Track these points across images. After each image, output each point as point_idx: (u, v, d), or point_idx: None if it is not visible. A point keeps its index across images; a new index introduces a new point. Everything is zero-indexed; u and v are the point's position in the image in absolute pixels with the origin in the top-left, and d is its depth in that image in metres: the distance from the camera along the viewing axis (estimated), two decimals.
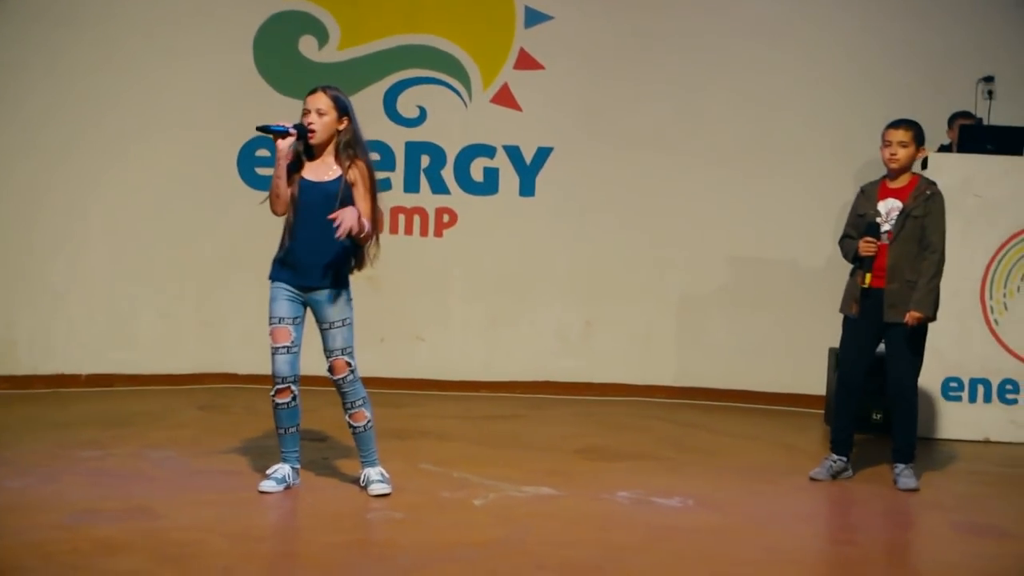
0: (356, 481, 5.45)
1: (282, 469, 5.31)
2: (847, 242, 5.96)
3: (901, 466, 5.88)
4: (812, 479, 5.98)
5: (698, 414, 8.07)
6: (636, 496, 5.53)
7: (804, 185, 8.36)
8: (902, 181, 5.88)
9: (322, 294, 5.18)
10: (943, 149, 7.67)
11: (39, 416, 7.06)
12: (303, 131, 5.05)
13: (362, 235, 5.07)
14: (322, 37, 8.64)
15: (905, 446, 5.89)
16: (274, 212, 5.15)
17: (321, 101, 5.10)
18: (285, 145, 4.99)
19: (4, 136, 7.88)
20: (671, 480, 5.88)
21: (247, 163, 8.54)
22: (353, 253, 5.22)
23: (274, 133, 5.00)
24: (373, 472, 5.38)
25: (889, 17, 8.41)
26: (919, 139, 5.86)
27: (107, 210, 8.15)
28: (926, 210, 5.74)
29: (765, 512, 5.33)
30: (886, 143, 5.87)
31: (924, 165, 7.28)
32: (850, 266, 5.98)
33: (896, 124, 5.89)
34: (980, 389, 7.33)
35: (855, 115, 8.08)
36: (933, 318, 5.78)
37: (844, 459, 6.02)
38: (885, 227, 5.79)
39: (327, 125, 5.10)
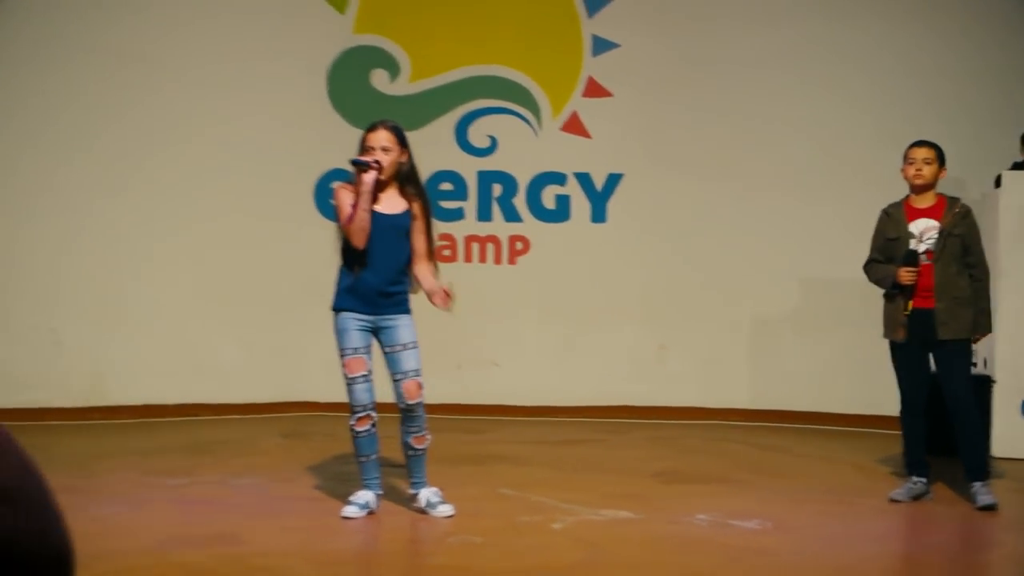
0: (415, 507, 5.44)
1: (364, 495, 5.35)
2: (875, 267, 5.97)
3: (977, 484, 5.78)
4: (892, 500, 5.91)
5: (773, 436, 8.01)
6: (714, 519, 5.51)
7: (869, 207, 8.22)
8: (929, 200, 5.85)
9: (394, 319, 5.24)
10: (1016, 166, 7.56)
11: (126, 445, 7.18)
12: (378, 166, 5.14)
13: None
14: (393, 70, 8.73)
15: (976, 463, 5.80)
16: (356, 245, 5.17)
17: (385, 138, 5.20)
18: (370, 180, 5.07)
19: (88, 176, 8.05)
20: (748, 503, 5.85)
21: (323, 194, 8.61)
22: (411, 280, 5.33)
23: (362, 167, 5.10)
24: (431, 494, 5.39)
25: (958, 40, 8.32)
26: (941, 159, 5.84)
27: (188, 244, 8.28)
28: (965, 228, 5.72)
29: (841, 534, 5.29)
30: (910, 161, 5.87)
31: (997, 183, 7.20)
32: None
33: (919, 143, 5.92)
34: None
35: (920, 137, 7.98)
36: (962, 333, 5.76)
37: (923, 480, 5.94)
38: (923, 247, 5.75)
39: (392, 160, 5.19)
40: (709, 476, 6.59)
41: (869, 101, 8.40)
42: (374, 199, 5.16)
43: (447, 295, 5.22)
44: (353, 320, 5.24)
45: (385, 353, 5.30)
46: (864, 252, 8.24)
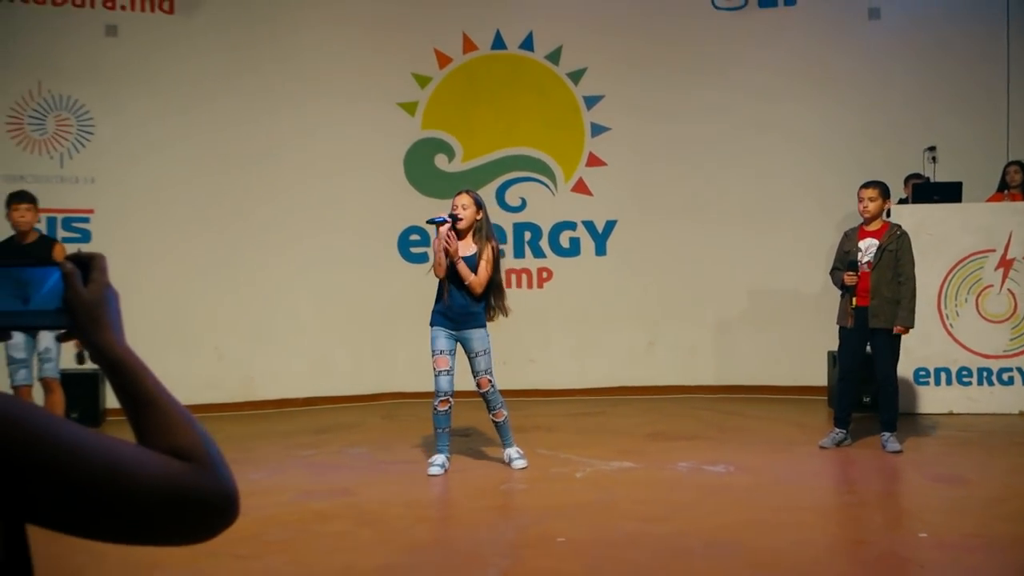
0: (497, 461, 5.49)
1: (439, 458, 5.38)
2: (836, 273, 5.95)
3: (888, 434, 5.75)
4: (821, 447, 5.86)
5: (733, 404, 7.95)
6: (691, 465, 5.49)
7: (799, 234, 8.23)
8: (875, 226, 5.84)
9: (470, 333, 5.30)
10: (902, 202, 7.51)
11: (270, 428, 7.24)
12: (454, 219, 5.22)
13: (458, 266, 5.18)
14: (450, 154, 8.79)
15: (890, 419, 5.77)
16: (437, 276, 5.33)
17: (465, 199, 5.31)
18: (445, 231, 5.15)
19: (243, 240, 8.13)
20: (716, 453, 5.82)
21: (404, 244, 8.70)
22: (486, 307, 5.34)
23: (437, 224, 5.23)
24: (513, 451, 5.46)
25: (857, 107, 8.29)
26: (885, 194, 5.84)
27: (312, 282, 8.34)
28: (898, 245, 5.71)
29: (785, 473, 5.26)
30: (860, 199, 5.85)
31: (888, 214, 7.14)
32: (838, 291, 5.92)
33: (866, 184, 5.88)
34: (943, 375, 7.12)
35: (835, 181, 7.94)
36: (913, 326, 5.72)
37: (844, 431, 5.90)
38: (865, 259, 5.73)
39: (469, 216, 5.26)
40: (687, 435, 6.56)
41: (796, 158, 8.36)
42: (454, 244, 5.23)
43: (449, 242, 5.17)
44: (442, 331, 5.33)
45: (469, 358, 5.36)
46: (796, 270, 8.26)
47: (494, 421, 5.46)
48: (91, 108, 7.85)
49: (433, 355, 5.31)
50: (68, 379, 6.07)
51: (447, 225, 5.20)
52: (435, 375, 5.30)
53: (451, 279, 5.26)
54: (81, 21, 7.81)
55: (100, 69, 7.85)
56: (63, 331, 0.98)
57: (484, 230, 5.33)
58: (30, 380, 5.36)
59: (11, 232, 5.65)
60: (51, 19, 7.71)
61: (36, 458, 0.79)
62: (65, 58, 7.78)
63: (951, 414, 7.01)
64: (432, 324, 5.35)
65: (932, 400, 7.10)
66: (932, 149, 7.86)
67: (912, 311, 5.69)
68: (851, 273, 5.73)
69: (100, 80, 7.85)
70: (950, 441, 6.12)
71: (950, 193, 7.20)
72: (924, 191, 7.29)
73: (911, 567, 3.58)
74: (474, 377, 5.35)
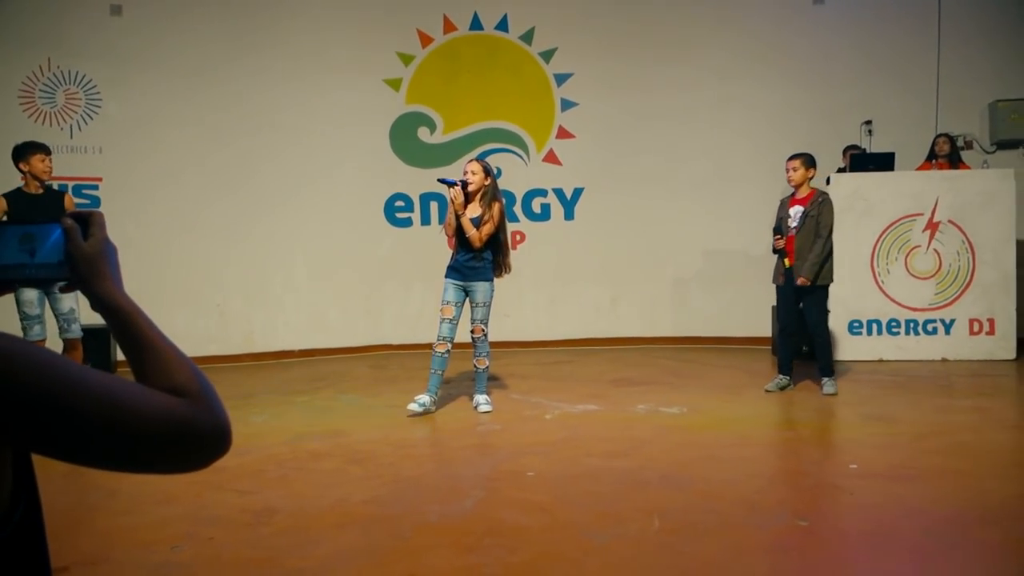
0: (472, 404, 5.52)
1: (424, 397, 5.37)
2: (775, 236, 5.94)
3: (825, 379, 5.81)
4: (766, 391, 5.93)
5: (689, 354, 8.01)
6: (650, 407, 5.53)
7: (750, 200, 8.26)
8: (803, 193, 5.85)
9: (475, 285, 5.31)
10: (840, 170, 7.54)
11: (269, 377, 7.22)
12: (464, 184, 5.21)
13: (462, 219, 5.21)
14: (432, 127, 8.71)
15: (825, 365, 5.82)
16: (446, 234, 5.39)
17: (475, 166, 5.33)
18: (453, 192, 5.13)
19: (241, 204, 8.05)
20: (672, 396, 5.87)
21: (390, 210, 8.64)
22: (493, 264, 5.35)
23: (448, 184, 5.23)
24: (481, 398, 5.46)
25: (804, 84, 8.29)
26: (807, 163, 5.81)
27: (306, 244, 8.30)
28: (819, 211, 5.71)
29: (735, 413, 5.31)
30: (786, 169, 5.86)
31: (828, 182, 7.19)
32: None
33: (792, 156, 5.90)
34: (875, 326, 7.20)
35: (783, 152, 7.86)
36: (820, 281, 5.70)
37: (787, 377, 5.96)
38: (793, 224, 5.75)
39: (478, 181, 5.25)
40: (646, 380, 6.60)
41: (747, 134, 8.37)
42: (464, 207, 5.27)
43: (455, 196, 5.21)
44: (452, 284, 5.36)
45: (471, 307, 5.37)
46: (747, 233, 8.29)
47: (476, 367, 5.48)
48: (98, 83, 7.69)
49: (442, 303, 5.35)
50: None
51: (457, 187, 5.20)
52: (440, 321, 5.32)
53: (459, 236, 5.28)
54: (87, 1, 7.61)
55: (106, 46, 7.67)
56: (66, 282, 0.97)
57: (491, 195, 5.31)
58: (44, 335, 5.27)
59: (16, 184, 5.43)
60: None
61: (44, 392, 0.78)
62: (72, 35, 7.59)
63: (881, 361, 7.12)
64: (446, 277, 5.40)
65: (865, 349, 7.20)
66: (868, 123, 7.90)
67: (814, 265, 5.63)
68: (778, 237, 5.78)
69: (106, 57, 7.67)
70: (881, 385, 6.20)
71: (884, 162, 7.24)
72: (861, 161, 7.32)
73: (841, 494, 3.65)
74: (472, 324, 5.39)
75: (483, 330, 5.36)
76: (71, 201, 5.47)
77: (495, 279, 5.41)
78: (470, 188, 5.28)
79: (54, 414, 0.79)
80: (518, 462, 4.21)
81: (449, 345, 5.31)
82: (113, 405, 0.82)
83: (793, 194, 5.90)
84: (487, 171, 5.33)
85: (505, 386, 6.34)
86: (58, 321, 5.34)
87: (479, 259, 5.30)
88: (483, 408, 5.40)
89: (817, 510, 3.49)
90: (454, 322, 5.31)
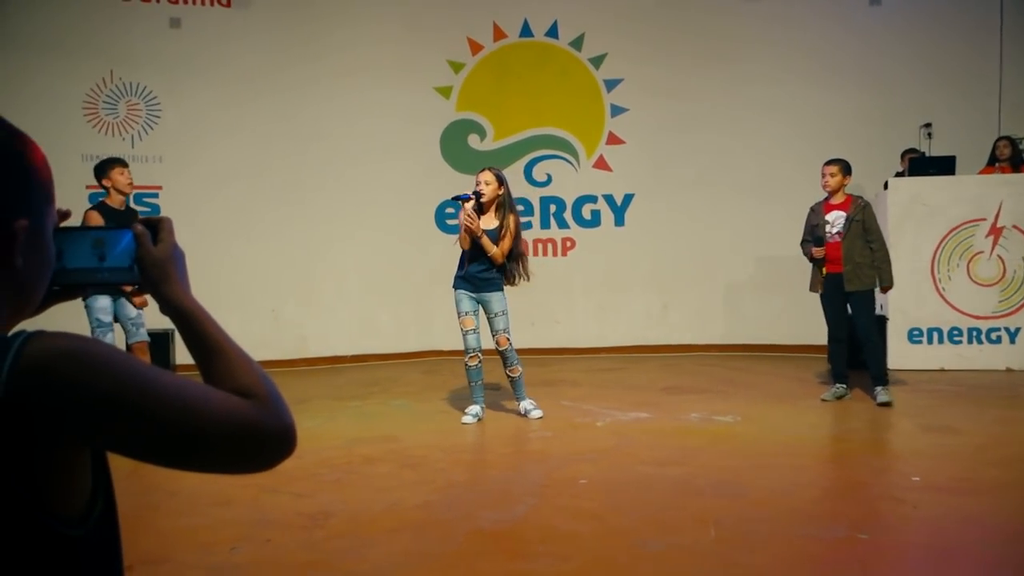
0: (518, 413, 5.52)
1: (474, 408, 5.41)
2: (805, 245, 5.89)
3: (878, 388, 5.68)
4: (822, 400, 5.82)
5: (740, 361, 7.91)
6: (702, 416, 5.47)
7: (801, 205, 8.05)
8: (839, 199, 5.75)
9: (489, 295, 5.28)
10: (899, 175, 7.39)
11: (322, 382, 7.30)
12: (477, 195, 5.18)
13: (481, 240, 5.14)
14: (482, 134, 8.75)
15: (879, 373, 5.70)
16: (462, 247, 5.26)
17: (488, 176, 5.24)
18: (470, 207, 5.12)
19: (297, 213, 8.18)
20: (725, 404, 5.80)
21: (440, 217, 8.70)
22: (504, 274, 5.31)
23: (462, 200, 5.15)
24: (528, 403, 5.45)
25: (858, 88, 8.13)
26: (845, 170, 5.73)
27: (358, 251, 8.40)
28: (864, 215, 5.63)
29: (789, 422, 5.23)
30: (822, 175, 5.78)
31: (885, 187, 7.05)
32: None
33: (828, 162, 5.81)
34: (935, 335, 7.02)
35: (836, 156, 7.79)
36: (893, 283, 5.67)
37: (844, 386, 5.84)
38: (835, 230, 5.65)
39: (492, 191, 5.22)
40: (698, 388, 6.54)
41: (798, 137, 8.23)
42: (478, 217, 5.21)
43: (470, 222, 5.11)
44: (465, 294, 5.30)
45: (487, 319, 5.35)
46: (795, 237, 8.13)
47: (509, 376, 5.43)
48: (158, 94, 7.90)
49: (459, 316, 5.31)
50: None
51: (471, 202, 5.16)
52: (463, 334, 5.30)
53: (471, 249, 5.24)
54: (148, 14, 7.83)
55: (165, 59, 7.88)
56: (136, 286, 1.01)
57: (507, 204, 5.28)
58: (114, 342, 5.40)
59: (96, 198, 5.59)
60: (121, 13, 7.74)
61: (119, 393, 0.81)
62: (134, 48, 7.82)
63: (942, 371, 6.93)
64: (455, 288, 5.34)
65: (924, 358, 7.02)
66: (928, 126, 7.72)
67: (888, 271, 5.60)
68: (818, 248, 5.67)
69: (166, 69, 7.88)
70: (941, 395, 6.04)
71: (944, 166, 7.07)
72: (920, 165, 7.16)
73: (905, 508, 3.56)
74: (493, 336, 5.33)
75: (508, 339, 5.31)
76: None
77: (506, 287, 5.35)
78: (484, 199, 5.21)
79: (129, 414, 0.81)
80: (570, 469, 4.20)
81: (480, 356, 5.31)
82: (185, 406, 0.84)
83: (827, 200, 5.78)
84: (500, 179, 5.26)
85: (555, 393, 6.32)
86: (124, 326, 5.46)
87: (492, 270, 5.26)
88: (534, 414, 5.40)
89: (878, 522, 3.41)
90: (478, 331, 5.29)
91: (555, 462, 4.36)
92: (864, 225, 5.60)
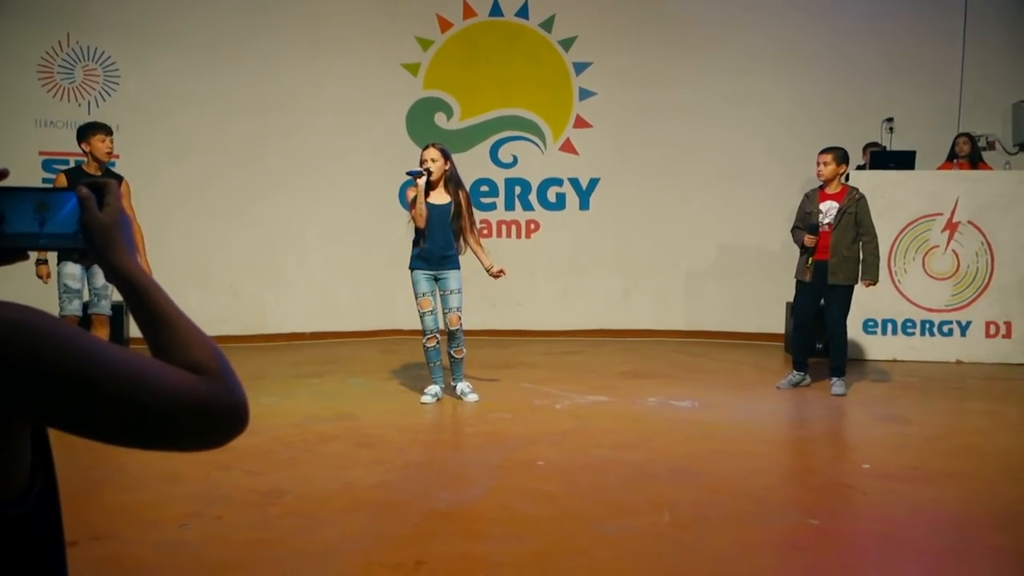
0: (485, 393, 5.49)
1: (433, 388, 5.38)
2: (796, 232, 5.86)
3: (835, 379, 5.76)
4: (778, 388, 5.90)
5: (700, 348, 7.98)
6: (660, 400, 5.51)
7: (764, 196, 8.20)
8: (835, 188, 5.75)
9: (448, 273, 5.25)
10: (860, 167, 7.47)
11: (280, 359, 7.23)
12: (429, 172, 5.14)
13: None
14: (449, 112, 8.67)
15: (838, 365, 5.77)
16: (418, 226, 5.21)
17: (433, 152, 5.21)
18: (422, 182, 5.07)
19: (253, 185, 8.05)
20: (683, 390, 5.84)
21: (404, 196, 8.60)
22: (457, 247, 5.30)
23: (415, 175, 5.10)
24: (464, 385, 5.46)
25: (823, 81, 8.19)
26: (839, 159, 5.71)
27: (319, 228, 8.29)
28: (857, 208, 5.64)
29: (746, 409, 5.28)
30: (817, 163, 5.77)
31: (846, 179, 7.11)
32: (797, 248, 5.87)
33: (824, 150, 5.79)
34: (889, 326, 7.15)
35: (799, 149, 7.84)
36: (878, 280, 5.72)
37: (802, 374, 5.92)
38: (826, 220, 5.68)
39: (439, 168, 5.18)
40: (657, 374, 6.58)
41: (763, 130, 8.28)
42: (427, 195, 5.17)
43: (501, 272, 5.32)
44: (422, 274, 5.26)
45: (440, 295, 5.31)
46: (761, 228, 8.24)
47: (453, 357, 5.38)
48: (117, 60, 7.69)
49: (417, 298, 5.26)
50: None
51: (423, 177, 5.12)
52: (421, 315, 5.26)
53: (431, 225, 5.19)
54: None
55: (125, 24, 7.67)
56: (80, 252, 0.96)
57: (455, 179, 5.26)
58: (80, 312, 5.27)
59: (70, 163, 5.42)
60: None
61: (66, 368, 0.78)
62: (92, 12, 7.59)
63: (895, 361, 7.06)
64: (413, 268, 5.28)
65: (878, 348, 7.15)
66: (890, 120, 7.82)
67: (876, 267, 5.63)
68: (811, 236, 5.68)
69: (125, 35, 7.67)
70: (894, 385, 6.16)
71: (904, 161, 7.17)
72: (880, 158, 7.25)
73: (855, 495, 3.62)
74: (445, 314, 5.29)
75: (460, 319, 5.30)
76: (128, 187, 5.38)
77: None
78: (433, 176, 5.16)
79: (74, 389, 0.78)
80: (528, 451, 4.20)
81: (438, 336, 5.30)
82: (133, 382, 0.81)
83: (822, 188, 5.81)
84: (445, 155, 5.22)
85: (515, 375, 6.32)
86: (90, 295, 5.34)
87: (452, 247, 5.25)
88: (470, 397, 5.37)
89: (829, 509, 3.46)
90: (435, 312, 5.28)
91: (513, 444, 4.36)
92: (856, 218, 5.62)
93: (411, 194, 5.17)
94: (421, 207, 5.10)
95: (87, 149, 5.22)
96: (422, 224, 5.16)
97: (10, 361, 0.75)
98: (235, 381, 0.90)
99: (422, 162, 5.18)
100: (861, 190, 5.87)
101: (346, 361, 7.06)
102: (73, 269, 5.19)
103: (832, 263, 5.63)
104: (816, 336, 6.48)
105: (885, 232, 7.05)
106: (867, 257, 5.61)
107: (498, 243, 8.39)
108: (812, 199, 5.81)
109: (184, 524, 3.16)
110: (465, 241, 5.30)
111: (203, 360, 0.89)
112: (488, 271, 5.35)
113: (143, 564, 2.83)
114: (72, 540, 0.85)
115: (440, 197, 5.21)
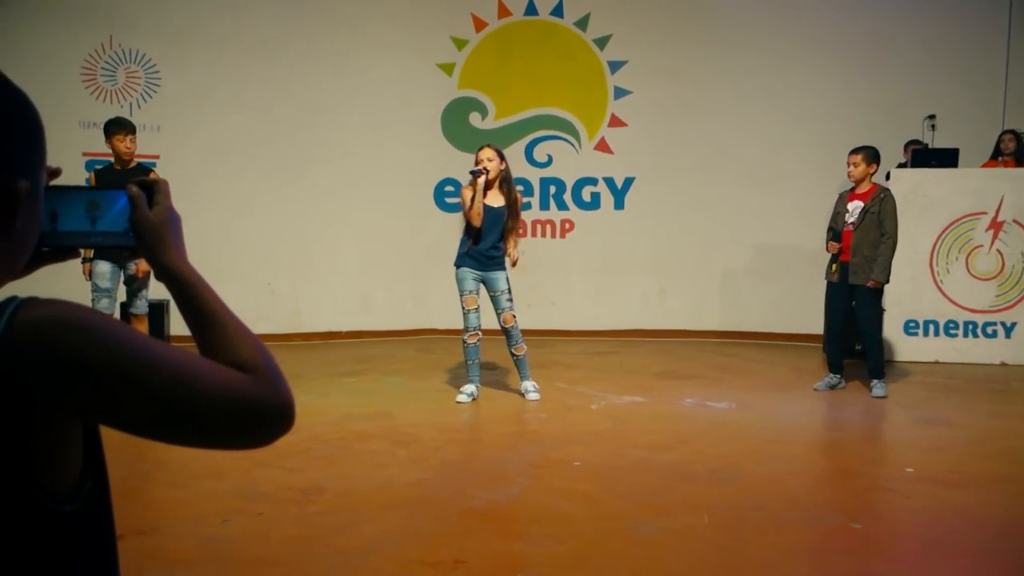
0: (518, 393, 5.51)
1: (469, 387, 5.40)
2: (829, 233, 5.81)
3: (875, 380, 5.68)
4: (815, 390, 5.82)
5: (736, 348, 7.90)
6: (696, 401, 5.47)
7: (801, 194, 8.09)
8: (864, 188, 5.68)
9: (496, 274, 5.27)
10: (901, 166, 7.35)
11: (316, 358, 7.29)
12: (487, 172, 5.17)
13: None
14: (484, 112, 8.68)
15: (876, 366, 5.69)
16: (475, 225, 5.23)
17: (489, 152, 5.24)
18: (482, 182, 5.10)
19: (295, 186, 8.12)
20: (720, 391, 5.80)
21: (439, 194, 8.65)
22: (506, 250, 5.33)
23: (476, 175, 5.16)
24: (529, 384, 5.45)
25: (863, 77, 8.06)
26: (869, 159, 5.63)
27: (355, 227, 8.34)
28: (880, 208, 5.55)
29: (784, 411, 5.23)
30: (847, 164, 5.70)
31: (888, 177, 7.01)
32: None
33: (853, 150, 5.73)
34: (931, 327, 7.02)
35: (838, 147, 7.70)
36: (887, 282, 5.61)
37: (838, 376, 5.84)
38: (850, 220, 5.61)
39: (495, 167, 5.20)
40: (693, 374, 6.54)
41: (801, 126, 8.18)
42: (484, 194, 5.20)
43: (516, 261, 5.38)
44: (469, 272, 5.28)
45: (490, 296, 5.33)
46: (797, 228, 8.14)
47: (514, 355, 5.44)
48: (158, 63, 7.81)
49: (462, 295, 5.29)
50: None
51: (483, 177, 5.16)
52: (464, 312, 5.28)
53: (483, 225, 5.22)
54: None
55: (166, 27, 7.79)
56: (131, 250, 0.97)
57: (509, 180, 5.28)
58: (112, 309, 5.34)
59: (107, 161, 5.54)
60: None
61: (115, 364, 0.78)
62: (135, 15, 7.72)
63: (937, 363, 6.93)
64: (459, 266, 5.31)
65: (920, 350, 7.02)
66: (932, 117, 7.67)
67: (885, 268, 5.50)
68: (833, 243, 5.64)
69: (166, 37, 7.80)
70: (936, 387, 6.05)
71: (947, 159, 7.04)
72: (922, 156, 7.12)
73: (898, 498, 3.56)
74: (498, 314, 5.33)
75: (514, 316, 5.32)
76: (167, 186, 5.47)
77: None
78: (490, 176, 5.19)
79: (123, 386, 0.79)
80: (564, 451, 4.20)
81: (480, 334, 5.32)
82: (181, 379, 0.82)
83: (853, 189, 5.74)
84: (501, 155, 5.27)
85: (550, 375, 6.31)
86: (127, 294, 5.42)
87: (499, 247, 5.28)
88: (532, 396, 5.40)
89: (871, 512, 3.41)
90: (479, 311, 5.30)
91: (549, 444, 4.36)
92: (879, 217, 5.54)
93: (467, 194, 5.21)
94: (479, 206, 5.14)
95: (110, 148, 5.33)
96: (479, 223, 5.20)
97: (60, 358, 0.76)
98: (282, 380, 0.90)
99: (478, 162, 5.23)
100: (902, 189, 5.79)
101: (381, 360, 7.11)
102: (103, 268, 5.27)
103: (854, 263, 5.56)
104: (852, 338, 6.38)
105: (927, 232, 6.95)
106: (878, 256, 5.52)
107: (533, 243, 8.39)
108: (843, 199, 5.77)
109: (226, 520, 3.21)
110: (505, 239, 5.32)
111: (251, 359, 0.89)
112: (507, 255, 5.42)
113: (186, 559, 2.87)
114: (117, 534, 0.87)
115: (495, 199, 5.24)
